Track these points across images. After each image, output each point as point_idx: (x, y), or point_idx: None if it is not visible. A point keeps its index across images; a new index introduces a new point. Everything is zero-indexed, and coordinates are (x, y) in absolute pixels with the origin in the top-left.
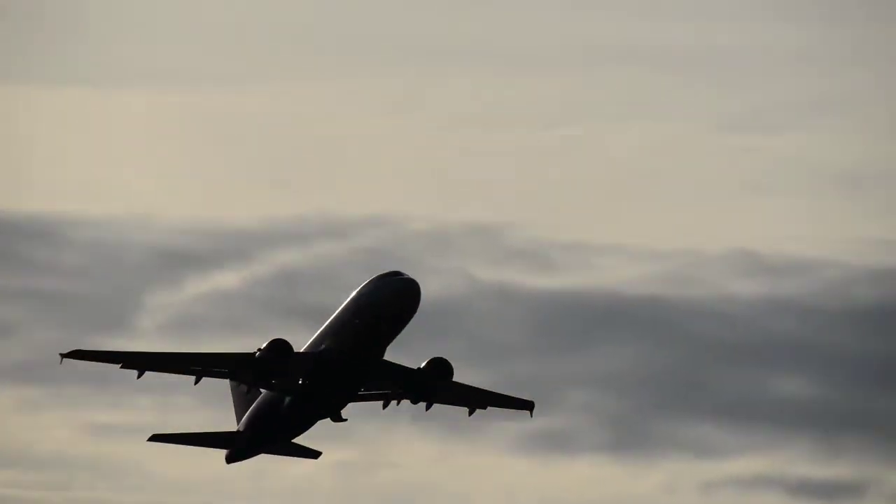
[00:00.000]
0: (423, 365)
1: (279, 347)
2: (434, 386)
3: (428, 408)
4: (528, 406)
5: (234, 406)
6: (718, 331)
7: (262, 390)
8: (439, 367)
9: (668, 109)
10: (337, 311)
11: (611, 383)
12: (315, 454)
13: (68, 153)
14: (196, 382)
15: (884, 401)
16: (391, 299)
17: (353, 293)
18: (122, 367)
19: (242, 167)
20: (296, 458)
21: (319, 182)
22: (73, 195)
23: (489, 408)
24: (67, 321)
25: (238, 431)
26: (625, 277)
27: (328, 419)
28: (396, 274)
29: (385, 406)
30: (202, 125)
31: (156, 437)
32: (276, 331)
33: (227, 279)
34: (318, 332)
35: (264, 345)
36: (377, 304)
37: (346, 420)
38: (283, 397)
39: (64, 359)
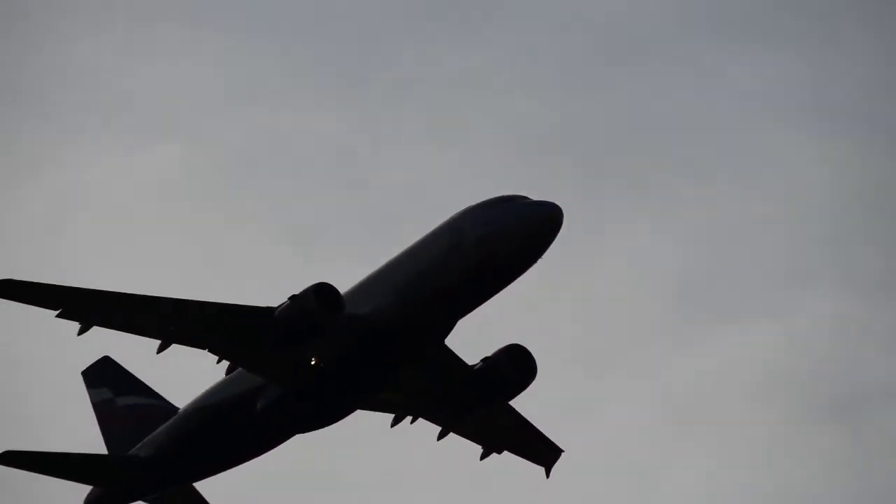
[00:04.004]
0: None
1: (329, 296)
2: (508, 383)
3: (441, 436)
4: (553, 457)
5: (101, 420)
6: None
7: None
8: (520, 360)
9: None
10: (403, 255)
11: None
12: None
13: None
14: (160, 349)
15: None
16: (524, 230)
17: (439, 227)
18: (59, 315)
19: None
20: None
21: None
22: None
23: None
24: None
25: (129, 457)
26: None
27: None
28: (517, 198)
29: (396, 422)
30: None
31: (7, 456)
32: None
33: None
34: (359, 283)
35: (300, 291)
36: (500, 238)
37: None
38: (258, 393)
39: None
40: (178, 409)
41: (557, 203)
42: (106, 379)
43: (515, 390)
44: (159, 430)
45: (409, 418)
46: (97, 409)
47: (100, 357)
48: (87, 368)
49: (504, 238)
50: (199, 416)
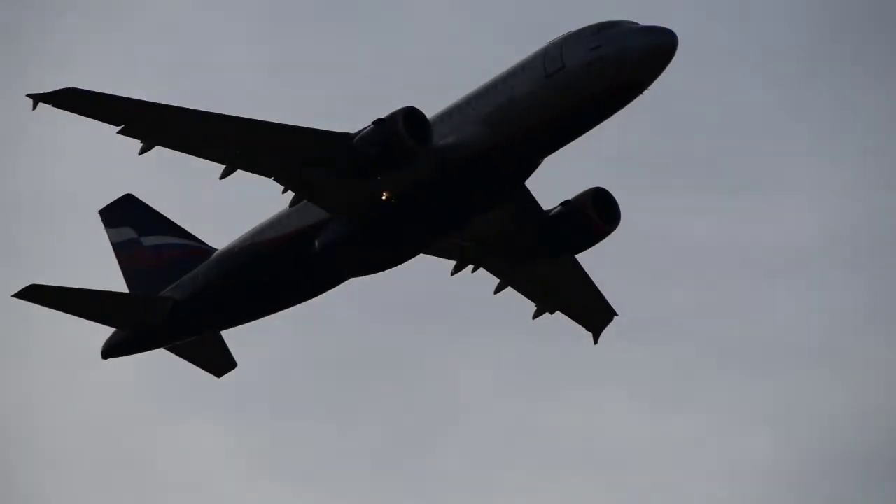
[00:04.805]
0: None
1: (417, 122)
2: (590, 229)
3: (498, 290)
4: (605, 320)
5: (122, 262)
6: None
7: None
8: (603, 205)
9: None
10: (492, 83)
11: None
12: (227, 366)
13: None
14: (224, 175)
15: None
16: (635, 55)
17: (533, 54)
18: (121, 132)
19: None
20: (193, 367)
21: None
22: None
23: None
24: None
25: (162, 297)
26: None
27: None
28: (624, 23)
29: (457, 270)
30: None
31: (31, 290)
32: None
33: None
34: (443, 111)
35: (386, 115)
36: (608, 65)
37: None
38: (316, 230)
39: None
40: (214, 250)
41: (671, 28)
42: (129, 218)
43: (595, 238)
44: (196, 270)
45: (470, 267)
46: (118, 249)
47: (122, 195)
48: (106, 207)
49: (613, 65)
50: (247, 255)
